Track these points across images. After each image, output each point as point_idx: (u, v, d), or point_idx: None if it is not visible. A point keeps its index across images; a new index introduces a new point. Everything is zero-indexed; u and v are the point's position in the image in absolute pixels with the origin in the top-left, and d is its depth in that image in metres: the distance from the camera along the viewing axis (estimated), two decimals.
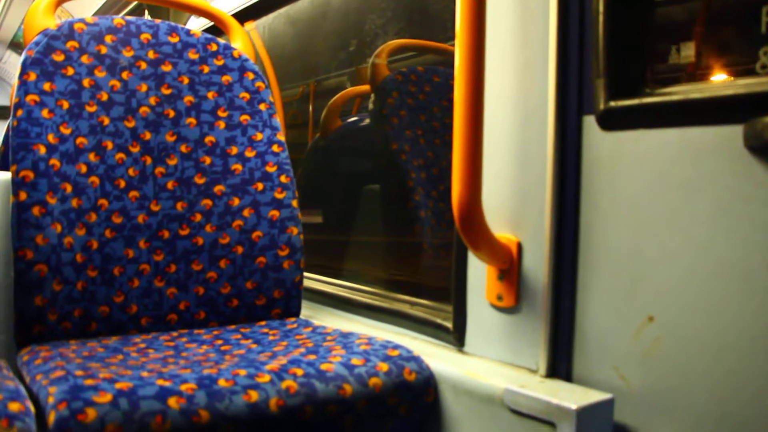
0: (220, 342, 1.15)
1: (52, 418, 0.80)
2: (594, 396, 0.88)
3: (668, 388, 0.85)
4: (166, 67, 1.37)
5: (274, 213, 1.34)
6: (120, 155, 1.28)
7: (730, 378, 0.79)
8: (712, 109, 0.80)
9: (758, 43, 0.80)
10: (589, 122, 0.93)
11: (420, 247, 1.80)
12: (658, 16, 0.92)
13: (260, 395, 0.89)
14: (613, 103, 0.89)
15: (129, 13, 5.65)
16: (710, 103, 0.80)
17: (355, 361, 1.00)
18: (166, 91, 1.35)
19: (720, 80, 0.80)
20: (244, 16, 2.12)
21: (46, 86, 1.22)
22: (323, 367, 0.97)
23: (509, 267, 1.02)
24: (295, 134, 3.15)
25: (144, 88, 1.34)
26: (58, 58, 1.26)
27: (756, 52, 0.80)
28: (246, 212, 1.33)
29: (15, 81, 1.24)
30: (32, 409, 0.83)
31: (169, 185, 1.31)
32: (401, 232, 1.93)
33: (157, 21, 1.40)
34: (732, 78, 0.79)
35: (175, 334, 1.21)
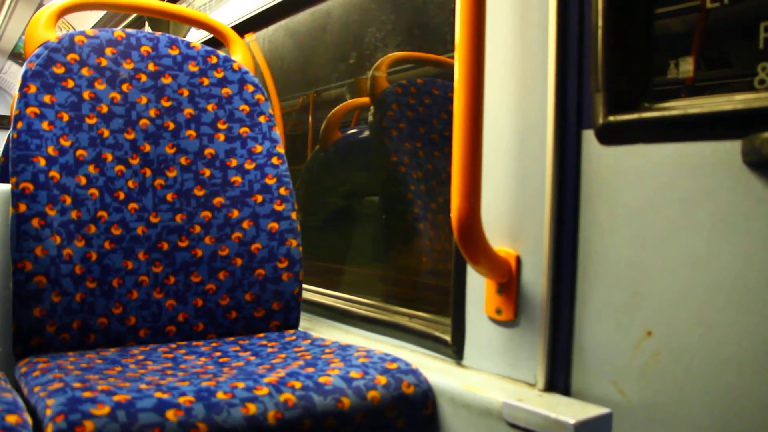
0: (218, 354, 1.15)
1: (49, 430, 0.79)
2: (592, 410, 0.88)
3: (667, 402, 0.85)
4: (166, 80, 1.37)
5: (274, 225, 1.34)
6: (119, 167, 1.28)
7: (729, 393, 0.79)
8: (710, 125, 0.80)
9: (757, 58, 0.80)
10: (588, 136, 0.93)
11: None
12: (657, 30, 0.93)
13: (258, 408, 0.89)
14: (611, 118, 0.90)
15: (129, 26, 5.67)
16: (709, 119, 0.80)
17: (354, 373, 0.99)
18: (166, 104, 1.36)
19: (718, 95, 0.80)
20: (244, 28, 2.13)
21: (47, 98, 1.23)
22: (321, 379, 0.97)
23: (508, 280, 1.02)
24: (295, 143, 3.16)
25: (144, 100, 1.34)
26: (59, 70, 1.26)
27: (754, 67, 0.80)
28: (245, 224, 1.33)
29: (15, 93, 1.24)
30: (30, 421, 0.82)
31: (169, 197, 1.31)
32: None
33: (157, 33, 1.41)
34: (730, 93, 0.79)
35: (173, 345, 1.21)
